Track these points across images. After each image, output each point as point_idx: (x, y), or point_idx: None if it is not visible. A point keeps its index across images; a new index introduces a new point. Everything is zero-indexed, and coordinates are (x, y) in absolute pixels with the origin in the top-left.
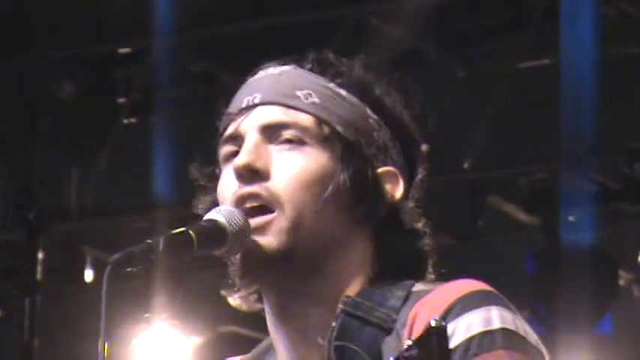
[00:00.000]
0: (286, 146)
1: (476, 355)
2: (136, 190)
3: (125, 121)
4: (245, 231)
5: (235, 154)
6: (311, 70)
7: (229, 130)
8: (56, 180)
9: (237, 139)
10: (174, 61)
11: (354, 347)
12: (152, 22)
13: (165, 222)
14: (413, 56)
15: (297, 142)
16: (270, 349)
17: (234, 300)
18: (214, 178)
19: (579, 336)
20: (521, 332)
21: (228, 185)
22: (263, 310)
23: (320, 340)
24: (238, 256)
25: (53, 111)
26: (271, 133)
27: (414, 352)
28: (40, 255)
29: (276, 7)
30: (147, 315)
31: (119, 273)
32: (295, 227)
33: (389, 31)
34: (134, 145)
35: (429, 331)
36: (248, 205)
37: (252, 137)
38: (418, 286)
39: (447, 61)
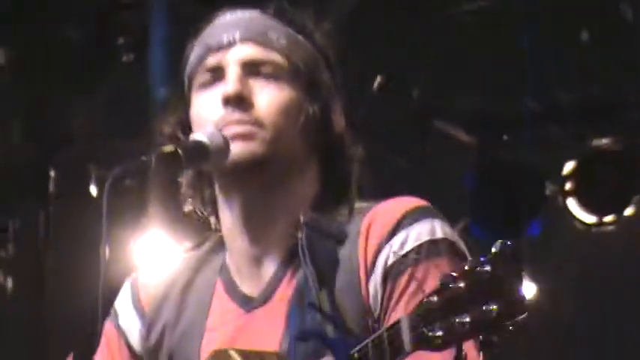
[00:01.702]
0: (264, 80)
1: (428, 258)
2: (134, 116)
3: (124, 58)
4: (225, 148)
5: (211, 83)
6: (274, 17)
7: (209, 62)
8: (67, 109)
9: (217, 70)
10: (165, 6)
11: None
12: None
13: (158, 144)
14: None
15: (273, 77)
16: (215, 248)
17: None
18: (182, 100)
19: (513, 238)
20: (456, 241)
21: (210, 110)
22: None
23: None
24: (225, 162)
25: (65, 49)
26: (251, 67)
27: (488, 266)
28: (52, 173)
29: None
30: (143, 222)
31: (118, 186)
32: (274, 142)
33: None
34: (132, 78)
35: (501, 250)
36: (231, 129)
37: (234, 70)
38: (358, 204)
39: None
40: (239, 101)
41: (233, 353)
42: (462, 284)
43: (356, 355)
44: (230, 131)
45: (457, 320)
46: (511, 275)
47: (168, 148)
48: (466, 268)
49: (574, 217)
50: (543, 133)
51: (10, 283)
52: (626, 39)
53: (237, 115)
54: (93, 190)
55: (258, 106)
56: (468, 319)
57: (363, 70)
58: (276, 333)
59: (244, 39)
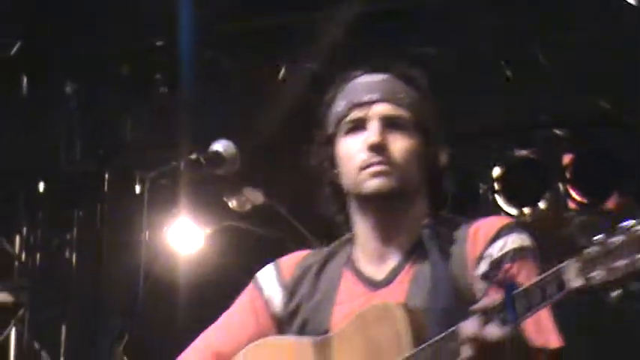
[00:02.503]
0: (397, 132)
1: (520, 259)
2: (169, 133)
3: (160, 90)
4: (235, 158)
5: (355, 130)
6: (400, 79)
7: (355, 115)
8: (118, 128)
9: (360, 121)
10: (194, 52)
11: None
12: (178, 21)
13: (185, 153)
14: None
15: (402, 129)
16: (345, 244)
17: (231, 203)
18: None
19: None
20: (535, 248)
21: (355, 153)
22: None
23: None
24: (365, 191)
25: (117, 82)
26: (386, 121)
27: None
28: (107, 176)
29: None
30: (174, 211)
31: (155, 185)
32: (402, 178)
33: None
34: (167, 104)
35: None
36: (373, 167)
37: (376, 124)
38: (457, 219)
39: None
40: (379, 148)
41: (392, 304)
42: (617, 239)
43: (521, 292)
44: (372, 169)
45: (614, 265)
46: None
47: (193, 156)
48: (620, 227)
49: (500, 209)
50: (480, 147)
51: (74, 258)
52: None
53: (377, 158)
54: (137, 188)
55: (392, 151)
56: (623, 264)
57: None
58: None
59: (382, 99)
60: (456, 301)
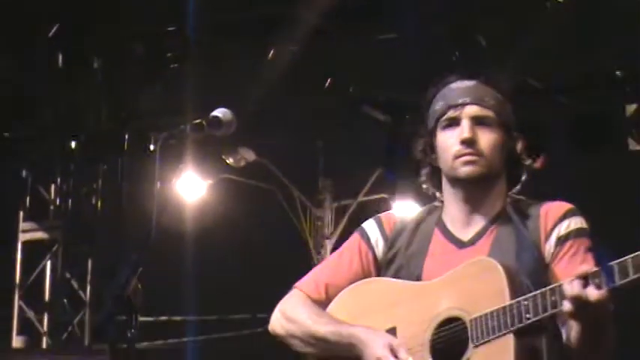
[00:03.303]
0: (484, 128)
1: (580, 237)
2: (179, 102)
3: (171, 66)
4: (232, 122)
5: (450, 126)
6: (486, 84)
7: (450, 114)
8: (136, 97)
9: (455, 119)
10: (198, 33)
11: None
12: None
13: (191, 119)
14: None
15: (488, 126)
16: (435, 210)
17: (228, 160)
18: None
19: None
20: (589, 229)
21: (451, 144)
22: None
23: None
24: (459, 174)
25: (134, 59)
26: (475, 120)
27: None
28: (126, 136)
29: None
30: (181, 166)
31: (165, 144)
32: (488, 165)
33: None
34: (178, 78)
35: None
36: (465, 157)
37: (467, 123)
38: (528, 200)
39: None
40: (470, 142)
41: (493, 261)
42: None
43: (615, 264)
44: (464, 159)
45: None
46: None
47: (197, 120)
48: None
49: None
50: None
51: (99, 204)
52: None
53: (468, 150)
54: (151, 147)
55: (480, 144)
56: None
57: None
58: None
59: (472, 102)
60: (536, 263)
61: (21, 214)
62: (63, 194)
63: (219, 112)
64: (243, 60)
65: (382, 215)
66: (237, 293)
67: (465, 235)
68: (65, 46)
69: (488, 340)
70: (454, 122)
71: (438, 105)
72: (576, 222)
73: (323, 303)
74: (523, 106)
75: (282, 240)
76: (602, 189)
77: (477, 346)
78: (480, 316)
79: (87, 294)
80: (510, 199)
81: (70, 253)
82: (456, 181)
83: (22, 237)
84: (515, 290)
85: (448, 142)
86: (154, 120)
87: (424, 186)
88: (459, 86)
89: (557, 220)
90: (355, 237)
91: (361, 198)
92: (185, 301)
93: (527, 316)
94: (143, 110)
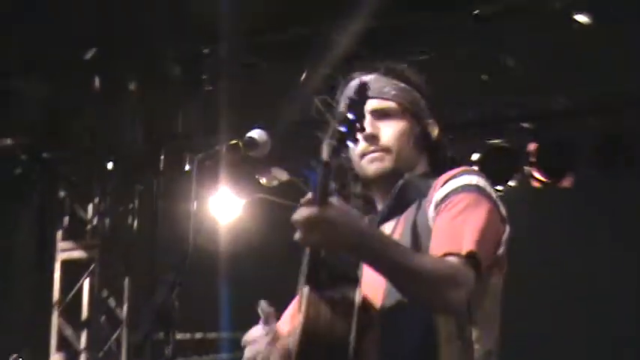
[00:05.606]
0: (385, 120)
1: (465, 191)
2: (214, 123)
3: (206, 88)
4: (267, 142)
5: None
6: (386, 75)
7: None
8: (172, 118)
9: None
10: (233, 55)
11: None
12: (219, 30)
13: (226, 140)
14: None
15: (389, 117)
16: (370, 211)
17: (262, 181)
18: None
19: None
20: (486, 187)
21: (357, 144)
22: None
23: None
24: (367, 174)
25: (170, 80)
26: (377, 114)
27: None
28: (162, 157)
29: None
30: (217, 186)
31: (202, 164)
32: (397, 159)
33: None
34: (212, 100)
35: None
36: (369, 156)
37: (369, 117)
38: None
39: None
40: (372, 138)
41: None
42: None
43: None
44: (369, 157)
45: None
46: None
47: (233, 141)
48: None
49: None
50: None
51: (135, 223)
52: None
53: (372, 147)
54: (186, 167)
55: (383, 138)
56: None
57: None
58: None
59: (371, 96)
60: (413, 245)
61: (59, 233)
62: (100, 214)
63: (255, 133)
64: (278, 81)
65: None
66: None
67: (388, 229)
68: (102, 69)
69: None
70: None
71: (341, 105)
72: (463, 179)
73: None
74: (550, 126)
75: None
76: (628, 209)
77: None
78: None
79: (123, 312)
80: (406, 177)
81: (107, 271)
82: (370, 182)
83: (61, 256)
84: None
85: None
86: (189, 141)
87: (356, 191)
88: (358, 82)
89: (439, 186)
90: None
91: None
92: (220, 319)
93: None
94: (178, 131)
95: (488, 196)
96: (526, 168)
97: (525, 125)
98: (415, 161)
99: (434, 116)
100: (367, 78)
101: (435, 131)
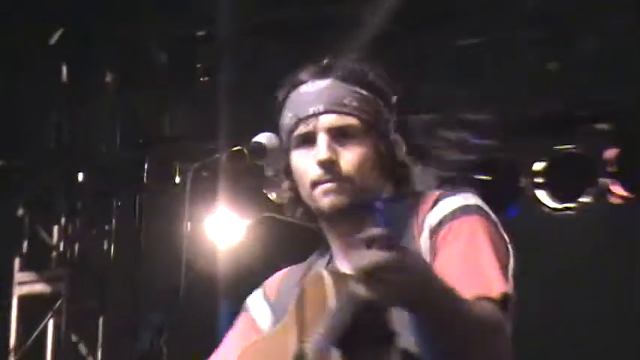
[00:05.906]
0: (347, 143)
1: (465, 214)
2: (209, 124)
3: (201, 79)
4: (279, 147)
5: (304, 144)
6: (344, 81)
7: (302, 130)
8: (157, 118)
9: (309, 135)
10: (232, 41)
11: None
12: (218, 13)
13: (227, 146)
14: None
15: (351, 138)
16: (319, 257)
17: (271, 196)
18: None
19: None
20: (483, 206)
21: (307, 167)
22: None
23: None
24: (321, 207)
25: (156, 72)
26: (334, 132)
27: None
28: (146, 167)
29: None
30: (214, 203)
31: (197, 175)
32: (360, 190)
33: None
34: (207, 94)
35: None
36: (324, 185)
37: (323, 137)
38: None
39: None
40: (329, 164)
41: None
42: None
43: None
44: (324, 187)
45: None
46: None
47: (236, 147)
48: None
49: (541, 203)
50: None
51: (112, 249)
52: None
53: (328, 175)
54: (177, 179)
55: (343, 165)
56: None
57: None
58: None
59: (327, 110)
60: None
61: (17, 262)
62: (68, 238)
63: (263, 137)
64: (291, 71)
65: (267, 280)
66: None
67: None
68: (70, 56)
69: None
70: (309, 139)
71: (286, 117)
72: (455, 200)
73: None
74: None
75: None
76: None
77: None
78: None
79: None
80: (377, 203)
81: (77, 309)
82: (323, 215)
83: (19, 290)
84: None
85: (304, 165)
86: (179, 146)
87: (295, 218)
88: (310, 90)
89: (428, 210)
90: (240, 315)
91: None
92: None
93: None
94: (166, 134)
95: (489, 218)
96: (602, 180)
97: (602, 127)
98: (379, 190)
99: (398, 128)
100: (321, 85)
101: (401, 150)
